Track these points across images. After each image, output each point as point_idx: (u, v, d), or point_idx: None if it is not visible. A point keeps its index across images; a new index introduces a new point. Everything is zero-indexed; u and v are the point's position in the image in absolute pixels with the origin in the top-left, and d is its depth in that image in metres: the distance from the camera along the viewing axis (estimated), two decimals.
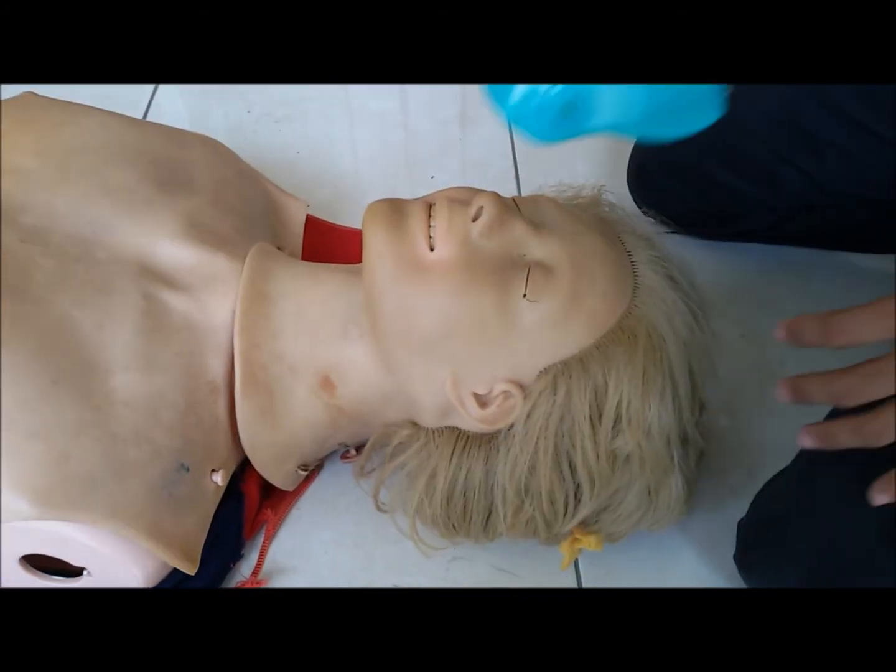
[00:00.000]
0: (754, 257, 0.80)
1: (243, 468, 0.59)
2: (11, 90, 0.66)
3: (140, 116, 0.97)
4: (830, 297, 0.76)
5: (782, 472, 0.55)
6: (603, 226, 0.54)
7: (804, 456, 0.54)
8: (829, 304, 0.42)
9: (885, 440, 0.40)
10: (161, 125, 0.64)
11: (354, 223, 0.82)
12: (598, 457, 0.51)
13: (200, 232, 0.56)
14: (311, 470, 0.63)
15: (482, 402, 0.52)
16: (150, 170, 0.57)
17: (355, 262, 0.61)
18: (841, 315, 0.40)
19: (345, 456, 0.65)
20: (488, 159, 0.93)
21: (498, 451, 0.53)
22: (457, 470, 0.54)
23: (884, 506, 0.44)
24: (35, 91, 0.62)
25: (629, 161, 0.79)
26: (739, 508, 0.58)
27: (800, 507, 0.51)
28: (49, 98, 0.61)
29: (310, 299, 0.57)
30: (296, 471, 0.60)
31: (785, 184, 0.69)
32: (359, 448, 0.64)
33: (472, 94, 1.01)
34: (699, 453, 0.59)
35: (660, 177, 0.76)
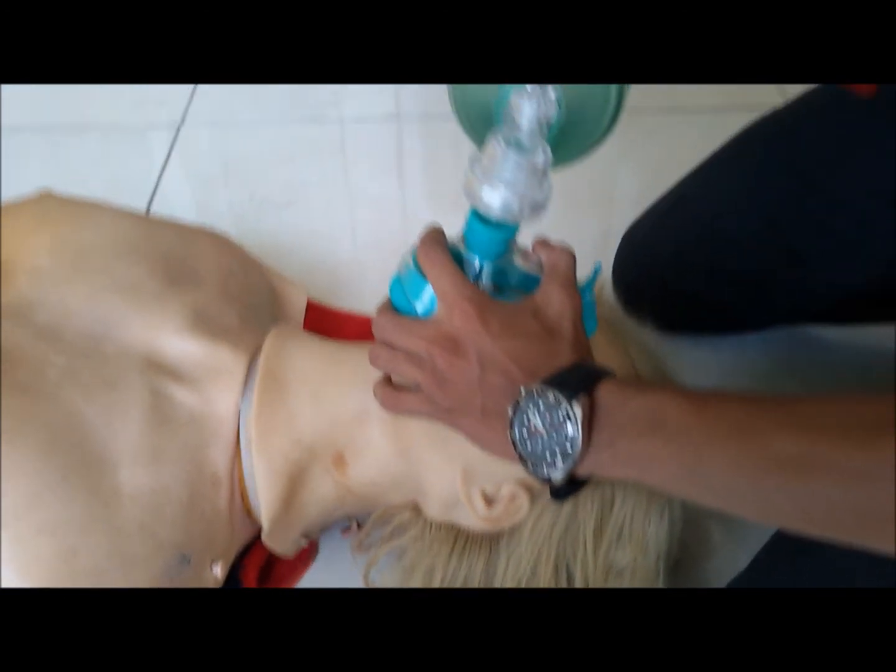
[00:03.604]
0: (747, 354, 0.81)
1: (241, 556, 0.60)
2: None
3: (145, 201, 1.00)
4: (815, 374, 0.78)
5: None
6: (607, 327, 0.57)
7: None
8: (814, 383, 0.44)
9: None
10: (170, 221, 0.66)
11: (354, 306, 0.84)
12: (595, 568, 0.53)
13: (206, 325, 0.58)
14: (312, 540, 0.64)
15: (489, 500, 0.54)
16: (158, 265, 0.60)
17: (344, 341, 0.64)
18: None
19: (346, 531, 0.65)
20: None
21: (500, 554, 0.54)
22: (456, 569, 0.55)
23: None
24: (51, 189, 0.65)
25: (612, 271, 0.80)
26: None
27: None
28: (63, 197, 0.64)
29: (327, 382, 0.58)
30: (298, 539, 0.61)
31: (774, 296, 0.71)
32: (360, 523, 0.65)
33: None
34: (674, 562, 0.60)
35: (644, 287, 0.77)
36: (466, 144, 0.54)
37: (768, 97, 1.16)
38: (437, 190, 1.04)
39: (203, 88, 1.22)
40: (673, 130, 1.10)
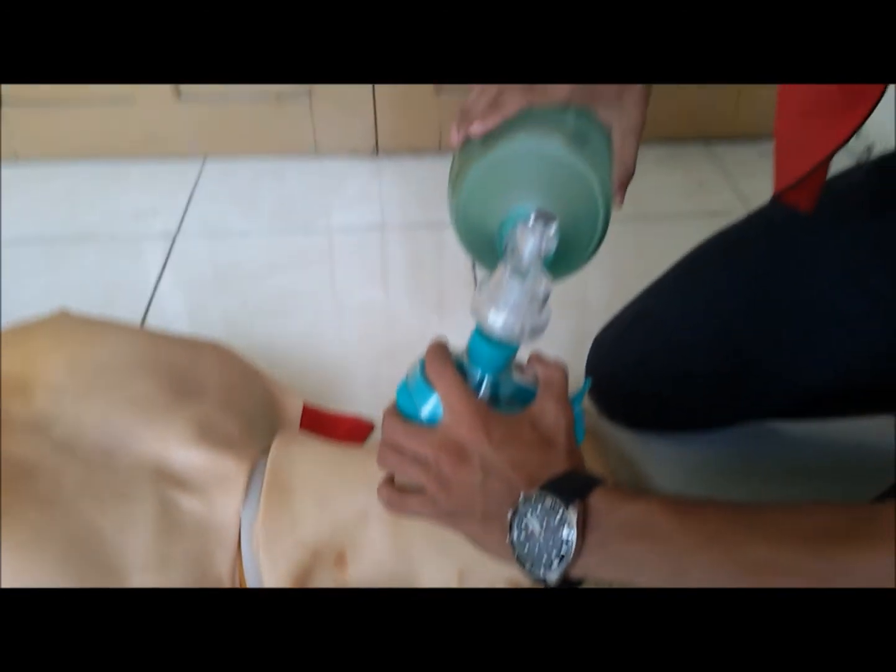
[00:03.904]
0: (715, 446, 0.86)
1: None
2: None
3: (142, 309, 1.05)
4: (777, 467, 0.83)
5: None
6: (590, 436, 0.62)
7: None
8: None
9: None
10: (176, 336, 0.71)
11: (343, 406, 0.88)
12: None
13: (210, 435, 0.63)
14: None
15: None
16: (165, 380, 0.64)
17: (344, 444, 0.68)
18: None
19: None
20: (464, 343, 1.01)
21: None
22: None
23: None
24: (68, 309, 0.70)
25: (585, 375, 0.85)
26: None
27: None
28: (79, 317, 0.68)
29: (330, 486, 0.62)
30: None
31: (733, 398, 0.77)
32: None
33: (449, 284, 1.12)
34: None
35: (615, 390, 0.83)
36: (447, 252, 0.59)
37: (730, 205, 1.26)
38: (420, 295, 1.10)
39: (197, 199, 1.29)
40: (640, 237, 1.18)
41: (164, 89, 1.32)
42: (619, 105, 0.54)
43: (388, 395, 0.55)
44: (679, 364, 0.75)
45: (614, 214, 0.54)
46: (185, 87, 1.33)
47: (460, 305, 1.07)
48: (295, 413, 0.78)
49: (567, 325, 1.01)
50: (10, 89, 1.32)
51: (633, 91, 0.54)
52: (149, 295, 1.08)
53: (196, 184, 1.34)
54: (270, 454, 0.63)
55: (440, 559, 0.58)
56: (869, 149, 1.35)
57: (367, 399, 0.90)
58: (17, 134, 1.36)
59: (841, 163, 0.74)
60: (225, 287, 1.10)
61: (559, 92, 0.52)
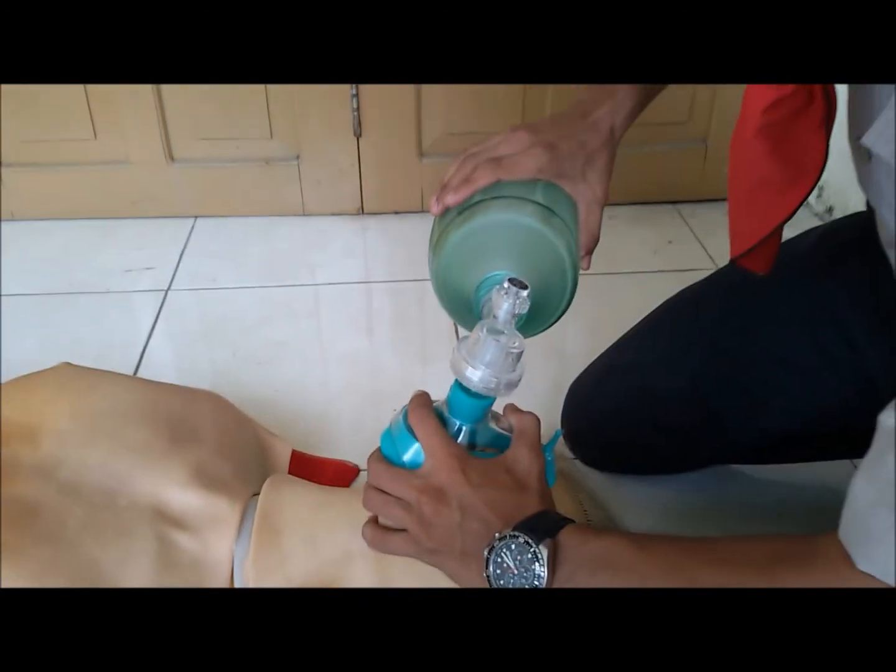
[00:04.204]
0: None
1: None
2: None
3: (135, 362, 1.09)
4: (740, 508, 0.87)
5: None
6: (563, 479, 0.66)
7: None
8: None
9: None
10: (172, 385, 0.75)
11: (327, 452, 0.92)
12: None
13: (205, 478, 0.66)
14: None
15: None
16: (163, 426, 0.68)
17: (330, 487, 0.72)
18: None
19: None
20: (445, 391, 1.05)
21: None
22: None
23: None
24: (70, 362, 0.74)
25: (561, 422, 0.89)
26: None
27: None
28: (81, 367, 0.73)
29: (317, 526, 0.66)
30: None
31: (700, 444, 0.81)
32: None
33: (431, 335, 1.16)
34: None
35: (589, 437, 0.87)
36: (429, 305, 0.62)
37: (697, 261, 1.32)
38: (403, 347, 1.14)
39: (189, 255, 1.34)
40: (614, 290, 1.24)
41: (158, 152, 1.38)
42: (583, 180, 0.59)
43: (372, 442, 0.59)
44: (650, 413, 0.80)
45: (590, 270, 0.59)
46: (177, 151, 1.39)
47: (441, 356, 1.12)
48: (284, 458, 0.82)
49: (544, 374, 1.06)
50: (7, 151, 1.37)
51: (597, 167, 0.60)
52: (141, 347, 1.12)
53: (188, 240, 1.39)
54: (261, 496, 0.67)
55: None
56: (830, 210, 1.42)
57: (352, 445, 0.93)
58: (14, 194, 1.41)
59: (806, 222, 0.80)
60: (215, 338, 1.14)
61: (528, 168, 0.57)
